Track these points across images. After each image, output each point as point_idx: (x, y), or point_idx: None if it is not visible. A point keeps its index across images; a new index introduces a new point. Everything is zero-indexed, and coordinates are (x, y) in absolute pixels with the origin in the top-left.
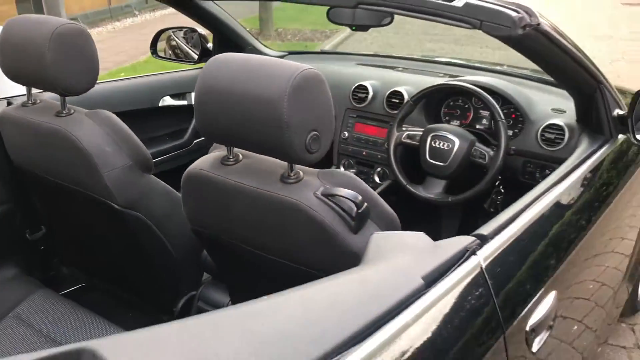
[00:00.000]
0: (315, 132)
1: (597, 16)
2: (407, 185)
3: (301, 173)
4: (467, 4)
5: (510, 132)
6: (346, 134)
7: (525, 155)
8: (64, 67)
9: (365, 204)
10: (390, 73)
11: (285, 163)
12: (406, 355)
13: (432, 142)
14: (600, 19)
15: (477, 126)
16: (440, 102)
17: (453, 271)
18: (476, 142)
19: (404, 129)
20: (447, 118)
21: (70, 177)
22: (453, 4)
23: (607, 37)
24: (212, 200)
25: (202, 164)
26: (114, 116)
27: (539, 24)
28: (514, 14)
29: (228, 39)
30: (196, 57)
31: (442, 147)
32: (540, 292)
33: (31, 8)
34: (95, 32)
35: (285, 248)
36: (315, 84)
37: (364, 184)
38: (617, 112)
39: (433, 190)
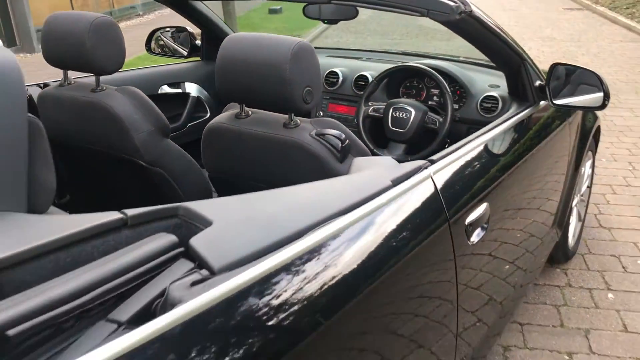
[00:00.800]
0: (309, 88)
1: (543, 20)
2: (375, 150)
3: (298, 120)
4: None
5: (456, 106)
6: (321, 113)
7: (468, 122)
8: (100, 51)
9: (347, 140)
10: (356, 62)
11: (286, 115)
12: (377, 226)
13: (393, 113)
14: (545, 22)
15: (429, 102)
16: (398, 83)
17: (412, 177)
18: (428, 111)
19: (370, 104)
20: (404, 97)
21: (104, 142)
22: None
23: (550, 39)
24: (229, 146)
25: (220, 119)
26: (139, 91)
27: (471, 11)
28: (452, 3)
29: (215, 36)
30: (185, 53)
31: (401, 116)
32: (475, 200)
33: None
34: None
35: (287, 180)
36: (308, 52)
37: (345, 127)
38: (538, 82)
39: (395, 153)
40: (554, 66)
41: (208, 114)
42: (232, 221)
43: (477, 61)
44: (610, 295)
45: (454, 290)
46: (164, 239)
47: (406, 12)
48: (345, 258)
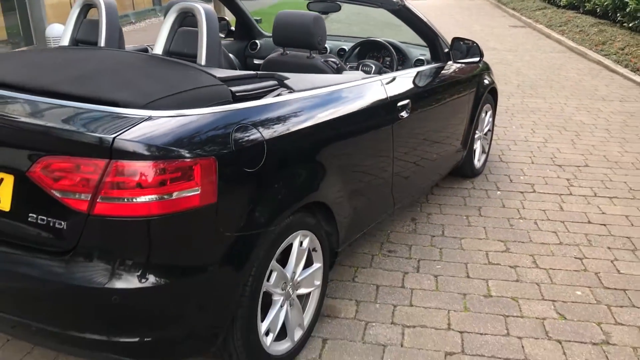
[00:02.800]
0: (320, 37)
1: (490, 35)
2: None
3: (314, 55)
4: None
5: (400, 67)
6: (326, 48)
7: None
8: None
9: (340, 64)
10: (337, 42)
11: (308, 53)
12: (355, 93)
13: (362, 68)
14: (491, 37)
15: (384, 64)
16: (365, 53)
17: (372, 77)
18: (382, 67)
19: (347, 64)
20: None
21: None
22: None
23: (492, 49)
24: (278, 71)
25: (272, 56)
26: (224, 49)
27: (405, 4)
28: (394, 0)
29: (245, 24)
30: (223, 35)
31: (366, 70)
32: (403, 94)
33: (17, 18)
34: None
35: None
36: (321, 19)
37: (338, 58)
38: (446, 49)
39: None
40: (454, 39)
41: None
42: (297, 79)
43: (414, 42)
44: (498, 192)
45: (391, 146)
46: (274, 80)
47: (369, 5)
48: (341, 102)
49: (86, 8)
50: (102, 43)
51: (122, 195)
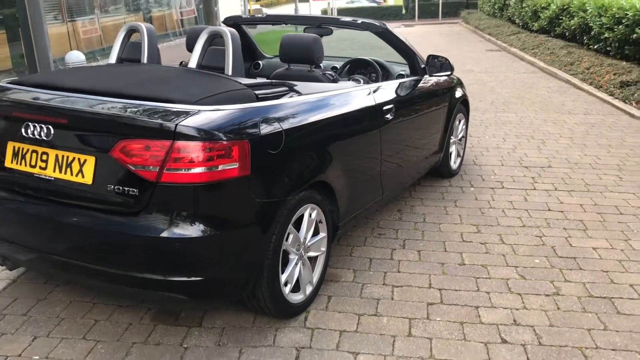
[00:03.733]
0: (319, 54)
1: (468, 58)
2: None
3: (314, 69)
4: (362, 22)
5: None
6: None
7: None
8: None
9: (336, 76)
10: (330, 61)
11: (308, 68)
12: (349, 99)
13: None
14: (469, 60)
15: (370, 79)
16: (354, 70)
17: (363, 85)
18: (369, 81)
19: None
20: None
21: None
22: (357, 21)
23: (469, 71)
24: None
25: (279, 70)
26: None
27: (387, 28)
28: (377, 23)
29: (249, 47)
30: None
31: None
32: (387, 101)
33: (22, 48)
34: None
35: None
36: (320, 40)
37: (334, 72)
38: (422, 65)
39: None
40: (429, 56)
41: None
42: (303, 85)
43: (396, 61)
44: (472, 188)
45: (379, 142)
46: (285, 87)
47: (357, 29)
48: (339, 104)
49: (130, 32)
50: (145, 60)
51: (181, 167)
